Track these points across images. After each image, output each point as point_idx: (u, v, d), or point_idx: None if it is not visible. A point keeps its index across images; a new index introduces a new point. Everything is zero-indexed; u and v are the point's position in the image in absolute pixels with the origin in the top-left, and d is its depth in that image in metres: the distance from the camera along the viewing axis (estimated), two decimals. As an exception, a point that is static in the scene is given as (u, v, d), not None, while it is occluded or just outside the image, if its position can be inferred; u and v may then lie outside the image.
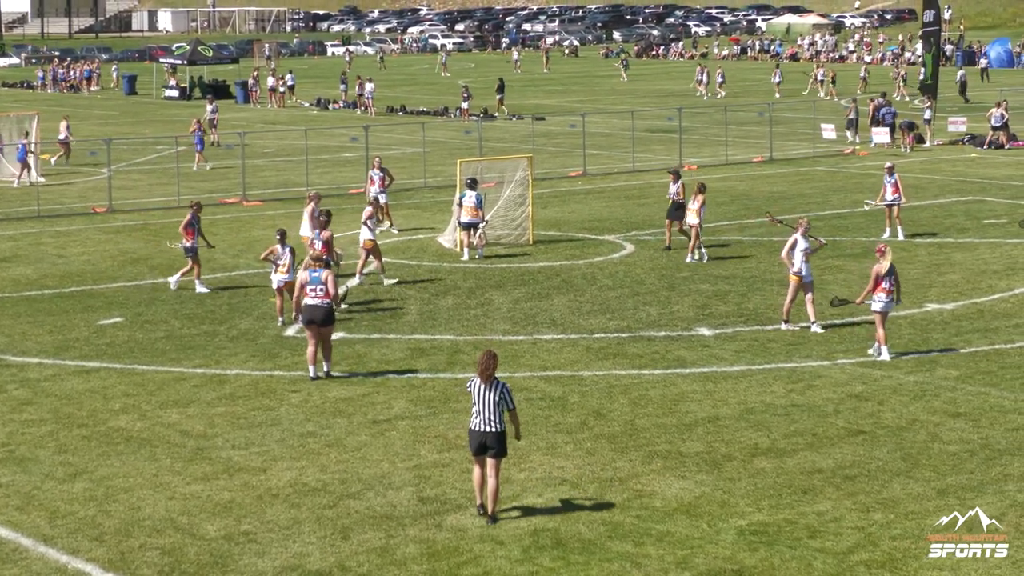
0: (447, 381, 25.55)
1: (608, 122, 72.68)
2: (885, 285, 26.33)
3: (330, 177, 54.05)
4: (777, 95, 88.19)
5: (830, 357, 26.90)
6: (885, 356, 26.49)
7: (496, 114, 78.08)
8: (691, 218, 36.16)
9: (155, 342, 28.69)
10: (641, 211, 43.08)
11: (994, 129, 61.24)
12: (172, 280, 33.58)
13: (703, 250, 36.17)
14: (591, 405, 24.02)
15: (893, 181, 38.99)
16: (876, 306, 26.44)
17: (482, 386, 18.64)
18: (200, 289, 33.11)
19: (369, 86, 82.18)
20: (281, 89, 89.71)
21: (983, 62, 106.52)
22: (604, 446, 21.89)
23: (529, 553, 17.75)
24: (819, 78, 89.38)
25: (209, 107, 67.50)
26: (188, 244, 33.11)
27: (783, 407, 23.79)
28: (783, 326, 28.87)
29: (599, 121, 71.48)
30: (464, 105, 76.79)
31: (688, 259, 36.01)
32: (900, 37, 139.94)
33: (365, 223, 33.57)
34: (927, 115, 62.75)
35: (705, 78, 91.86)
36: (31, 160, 53.88)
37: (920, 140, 62.02)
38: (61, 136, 58.90)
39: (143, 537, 18.43)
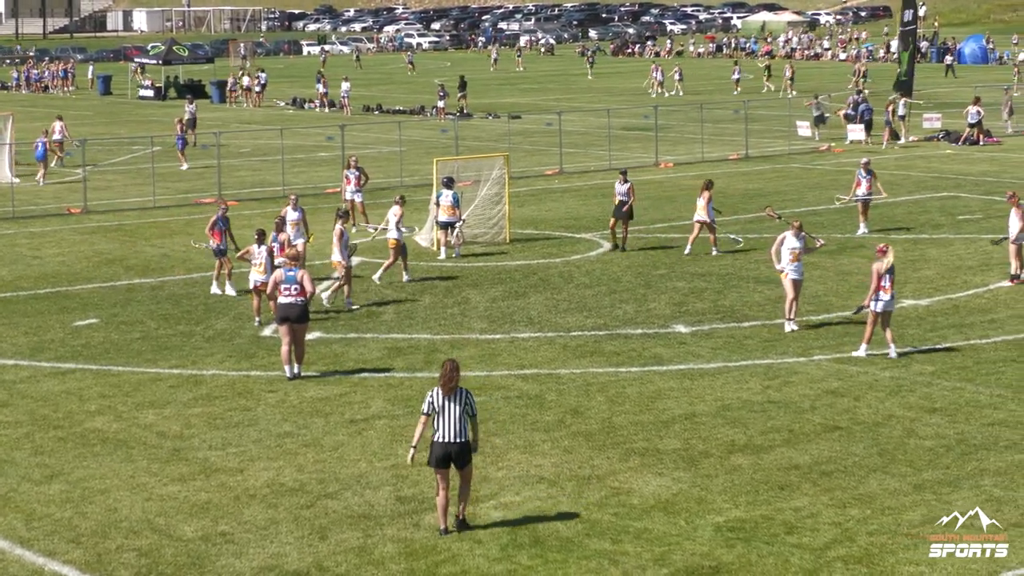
0: (424, 380, 25.52)
1: (584, 120, 72.72)
2: (885, 284, 26.20)
3: (306, 177, 53.98)
4: (736, 91, 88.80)
5: (806, 353, 26.95)
6: (862, 353, 26.47)
7: (464, 111, 77.81)
8: (699, 215, 36.59)
9: (131, 343, 28.63)
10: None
11: (971, 126, 61.42)
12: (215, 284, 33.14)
13: (714, 246, 36.84)
14: (568, 403, 24.04)
15: (868, 178, 39.16)
16: (876, 306, 26.21)
17: (445, 398, 18.13)
18: (229, 291, 32.62)
19: (345, 85, 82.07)
20: (256, 89, 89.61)
21: (948, 58, 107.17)
22: (581, 444, 21.91)
23: (507, 551, 17.75)
24: (787, 75, 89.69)
25: (189, 107, 67.40)
26: (215, 245, 32.44)
27: (760, 404, 23.84)
28: (786, 328, 28.60)
29: (575, 119, 71.51)
30: (440, 104, 76.79)
31: (714, 252, 36.65)
32: (863, 35, 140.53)
33: (397, 226, 33.57)
34: (902, 112, 62.88)
35: (660, 76, 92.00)
36: (6, 160, 53.77)
37: (895, 136, 62.15)
38: (56, 136, 58.72)
39: (120, 539, 18.40)
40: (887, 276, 26.15)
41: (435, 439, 18.19)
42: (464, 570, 17.25)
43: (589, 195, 47.87)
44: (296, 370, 25.79)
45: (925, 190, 47.85)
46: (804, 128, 63.04)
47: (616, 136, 61.49)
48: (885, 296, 26.18)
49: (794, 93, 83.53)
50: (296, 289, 25.46)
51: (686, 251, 36.42)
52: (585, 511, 19.07)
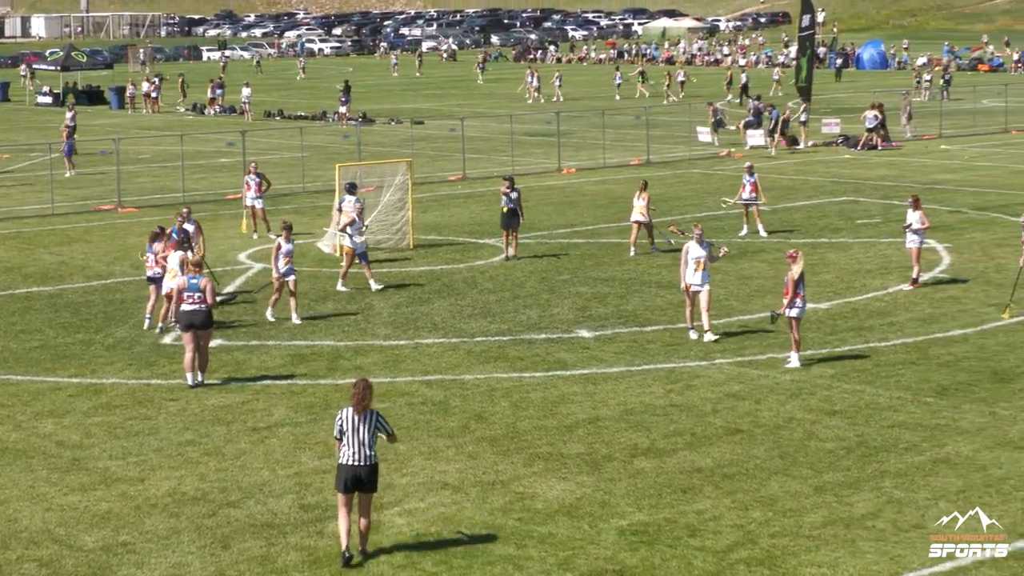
0: (328, 387, 25.45)
1: (487, 126, 72.78)
2: (799, 291, 26.17)
3: (207, 183, 53.64)
4: (617, 97, 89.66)
5: (708, 357, 27.11)
6: (795, 363, 26.36)
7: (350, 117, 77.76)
8: (636, 215, 37.36)
9: (29, 352, 28.30)
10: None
11: (869, 131, 62.12)
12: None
13: (657, 242, 37.81)
14: (472, 408, 24.04)
15: (752, 180, 39.63)
16: (792, 312, 26.19)
17: (356, 417, 17.44)
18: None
19: (246, 91, 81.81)
20: (153, 94, 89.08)
21: (838, 62, 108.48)
22: (486, 449, 21.92)
23: (411, 558, 17.72)
24: (679, 79, 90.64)
25: (68, 114, 66.64)
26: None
27: (662, 407, 23.95)
28: (692, 335, 28.57)
29: (478, 125, 71.56)
30: (342, 109, 76.63)
31: (637, 250, 37.43)
32: (747, 41, 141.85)
33: (343, 230, 33.32)
34: (803, 117, 63.44)
35: (536, 81, 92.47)
36: None
37: (794, 142, 62.67)
38: None
39: (20, 549, 18.18)
40: (800, 283, 26.11)
41: (342, 461, 17.51)
42: (368, 577, 17.22)
43: (493, 201, 47.81)
44: (200, 378, 25.61)
45: (824, 195, 48.29)
46: (704, 134, 63.44)
47: (519, 142, 61.61)
48: (800, 303, 26.12)
49: (675, 99, 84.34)
50: (199, 296, 25.31)
51: (631, 252, 36.82)
52: (489, 516, 19.07)
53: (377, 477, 17.74)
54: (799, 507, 19.23)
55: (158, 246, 29.81)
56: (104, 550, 18.15)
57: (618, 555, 17.72)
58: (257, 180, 41.22)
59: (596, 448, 21.87)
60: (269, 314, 30.58)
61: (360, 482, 17.50)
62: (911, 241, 32.82)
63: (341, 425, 17.56)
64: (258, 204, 41.22)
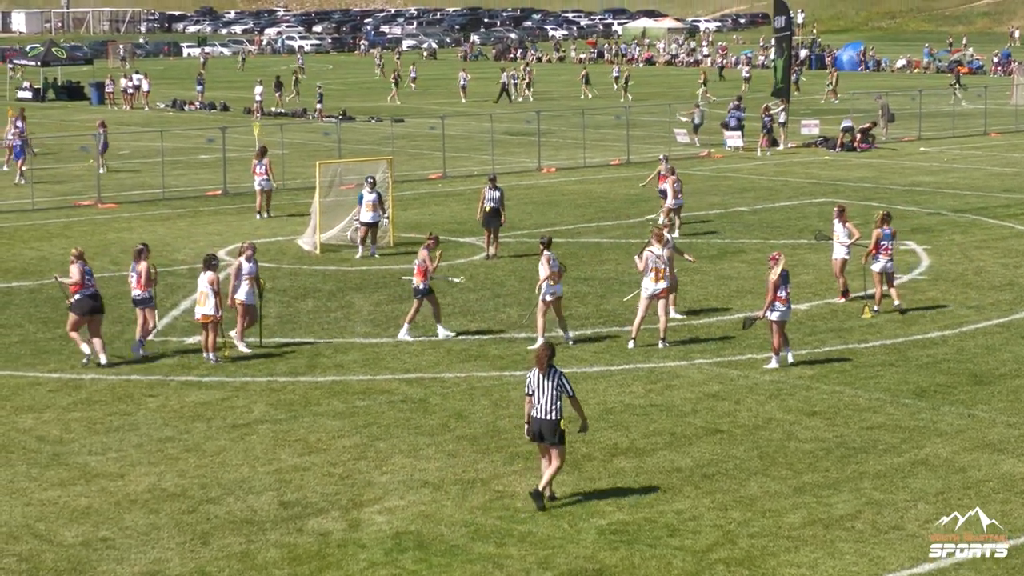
0: (307, 384, 25.44)
1: (467, 125, 72.78)
2: (781, 294, 25.95)
3: (186, 179, 53.58)
4: (463, 100, 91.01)
5: (687, 357, 27.15)
6: (774, 364, 26.31)
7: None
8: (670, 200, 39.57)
9: (9, 347, 28.25)
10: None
11: (843, 131, 62.38)
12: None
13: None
14: (453, 407, 24.05)
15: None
16: (773, 315, 26.01)
17: (540, 375, 19.17)
18: (405, 335, 28.89)
19: (258, 88, 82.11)
20: (130, 90, 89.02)
21: (745, 71, 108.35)
22: (466, 447, 21.94)
23: (391, 556, 17.74)
24: (615, 75, 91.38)
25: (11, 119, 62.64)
26: (419, 284, 28.71)
27: (642, 407, 23.98)
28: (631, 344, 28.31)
29: (458, 124, 71.54)
30: (319, 106, 76.75)
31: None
32: (735, 41, 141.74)
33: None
34: (781, 118, 63.54)
35: (414, 74, 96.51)
36: None
37: (774, 143, 62.77)
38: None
39: (0, 543, 18.19)
40: (783, 285, 26.09)
41: (532, 414, 19.28)
42: (348, 575, 17.21)
43: (472, 199, 47.80)
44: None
45: (803, 196, 48.37)
46: (682, 135, 63.43)
47: (499, 140, 61.62)
48: (781, 306, 26.04)
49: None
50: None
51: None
52: (469, 515, 19.10)
53: (558, 432, 19.13)
54: (778, 507, 19.28)
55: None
56: (84, 545, 18.14)
57: (598, 554, 17.76)
58: (266, 164, 43.47)
59: (576, 447, 21.87)
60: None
61: (543, 435, 19.23)
62: (840, 252, 31.80)
63: (530, 382, 19.33)
64: (264, 186, 43.08)
